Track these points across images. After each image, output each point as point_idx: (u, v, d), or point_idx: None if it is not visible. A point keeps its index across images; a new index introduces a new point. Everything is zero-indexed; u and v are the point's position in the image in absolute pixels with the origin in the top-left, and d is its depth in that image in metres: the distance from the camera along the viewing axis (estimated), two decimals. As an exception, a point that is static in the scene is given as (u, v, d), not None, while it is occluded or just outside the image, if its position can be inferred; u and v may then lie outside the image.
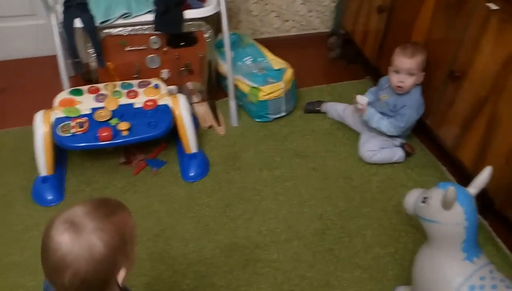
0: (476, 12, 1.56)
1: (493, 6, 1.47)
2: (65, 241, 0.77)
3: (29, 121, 1.73)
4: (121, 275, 0.83)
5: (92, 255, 0.77)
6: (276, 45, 2.46)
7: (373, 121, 1.87)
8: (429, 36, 1.82)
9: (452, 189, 1.23)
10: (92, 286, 0.79)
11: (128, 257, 0.84)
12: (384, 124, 1.85)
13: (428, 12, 1.80)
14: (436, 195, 1.32)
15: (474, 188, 1.33)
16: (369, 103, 1.92)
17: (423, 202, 1.36)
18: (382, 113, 1.88)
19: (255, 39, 2.39)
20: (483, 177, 1.33)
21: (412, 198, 1.44)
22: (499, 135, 1.55)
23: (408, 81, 1.80)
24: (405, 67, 1.78)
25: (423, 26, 1.84)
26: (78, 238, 0.77)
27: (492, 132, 1.58)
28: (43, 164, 1.71)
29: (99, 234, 0.78)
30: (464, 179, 1.70)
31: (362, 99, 1.88)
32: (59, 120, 1.69)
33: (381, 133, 1.92)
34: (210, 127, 2.08)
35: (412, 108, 1.82)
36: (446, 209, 1.28)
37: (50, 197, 1.71)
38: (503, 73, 1.49)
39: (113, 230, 0.80)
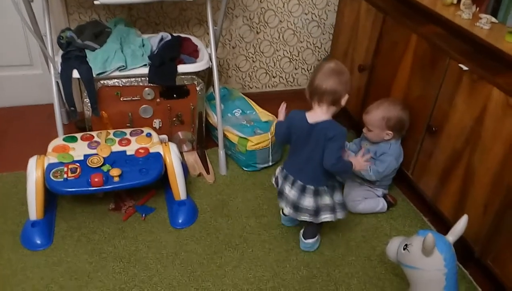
0: (449, 71, 1.69)
1: (464, 67, 1.61)
2: (328, 65, 1.56)
3: (22, 166, 1.77)
4: (344, 99, 1.55)
5: (339, 76, 1.53)
6: (263, 99, 2.58)
7: None
8: (407, 93, 1.95)
9: (430, 236, 1.30)
10: (335, 95, 1.53)
11: (348, 92, 1.55)
12: None
13: (405, 71, 1.94)
14: (417, 242, 1.39)
15: (452, 235, 1.40)
16: (353, 152, 2.03)
17: (405, 249, 1.42)
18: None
19: (244, 93, 2.50)
20: (460, 225, 1.40)
21: (394, 246, 1.49)
22: (475, 186, 1.63)
23: (369, 134, 1.95)
24: (364, 121, 1.96)
25: (402, 83, 1.97)
26: (334, 65, 1.56)
27: (469, 183, 1.66)
28: (34, 208, 1.73)
29: (344, 68, 1.57)
30: (446, 229, 1.75)
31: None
32: (52, 166, 1.73)
33: (363, 183, 2.00)
34: (199, 175, 2.13)
35: (391, 156, 1.91)
36: (426, 256, 1.34)
37: (38, 242, 1.72)
38: (476, 127, 1.59)
39: (347, 71, 1.58)
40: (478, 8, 1.79)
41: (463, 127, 1.65)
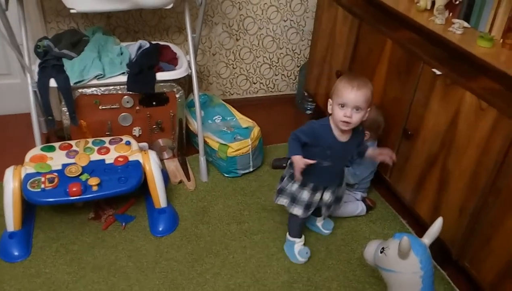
0: (423, 76, 1.72)
1: (437, 72, 1.64)
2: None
3: (0, 177, 1.74)
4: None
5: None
6: (244, 105, 2.59)
7: None
8: (384, 98, 1.97)
9: (406, 239, 1.32)
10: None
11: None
12: None
13: (381, 76, 1.97)
14: (393, 245, 1.40)
15: (428, 238, 1.42)
16: None
17: (382, 252, 1.43)
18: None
19: (225, 100, 2.51)
20: (435, 227, 1.42)
21: (371, 249, 1.51)
22: (451, 190, 1.66)
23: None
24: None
25: (378, 88, 2.00)
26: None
27: (444, 186, 1.69)
28: (11, 219, 1.71)
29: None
30: (424, 231, 1.77)
31: None
32: (29, 176, 1.71)
33: (342, 187, 2.02)
34: (180, 182, 2.13)
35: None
36: (402, 259, 1.35)
37: (16, 253, 1.70)
38: (450, 131, 1.62)
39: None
40: (451, 14, 1.83)
41: (437, 131, 1.68)
